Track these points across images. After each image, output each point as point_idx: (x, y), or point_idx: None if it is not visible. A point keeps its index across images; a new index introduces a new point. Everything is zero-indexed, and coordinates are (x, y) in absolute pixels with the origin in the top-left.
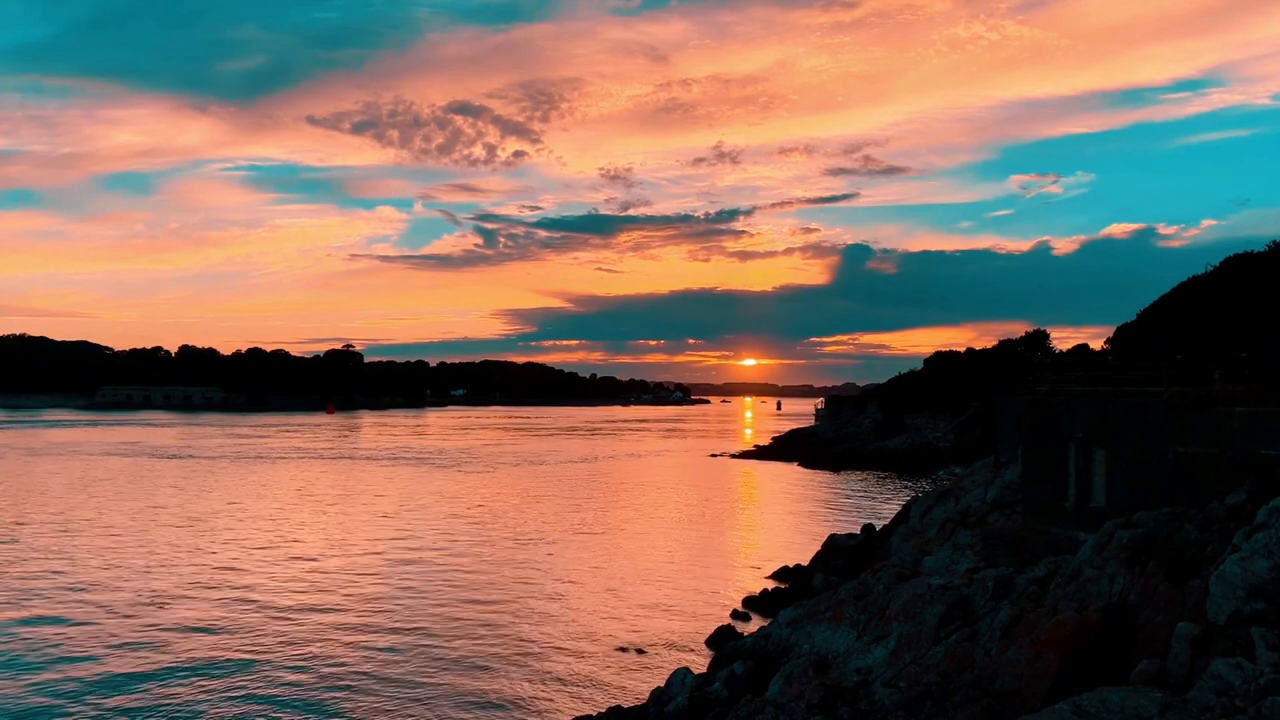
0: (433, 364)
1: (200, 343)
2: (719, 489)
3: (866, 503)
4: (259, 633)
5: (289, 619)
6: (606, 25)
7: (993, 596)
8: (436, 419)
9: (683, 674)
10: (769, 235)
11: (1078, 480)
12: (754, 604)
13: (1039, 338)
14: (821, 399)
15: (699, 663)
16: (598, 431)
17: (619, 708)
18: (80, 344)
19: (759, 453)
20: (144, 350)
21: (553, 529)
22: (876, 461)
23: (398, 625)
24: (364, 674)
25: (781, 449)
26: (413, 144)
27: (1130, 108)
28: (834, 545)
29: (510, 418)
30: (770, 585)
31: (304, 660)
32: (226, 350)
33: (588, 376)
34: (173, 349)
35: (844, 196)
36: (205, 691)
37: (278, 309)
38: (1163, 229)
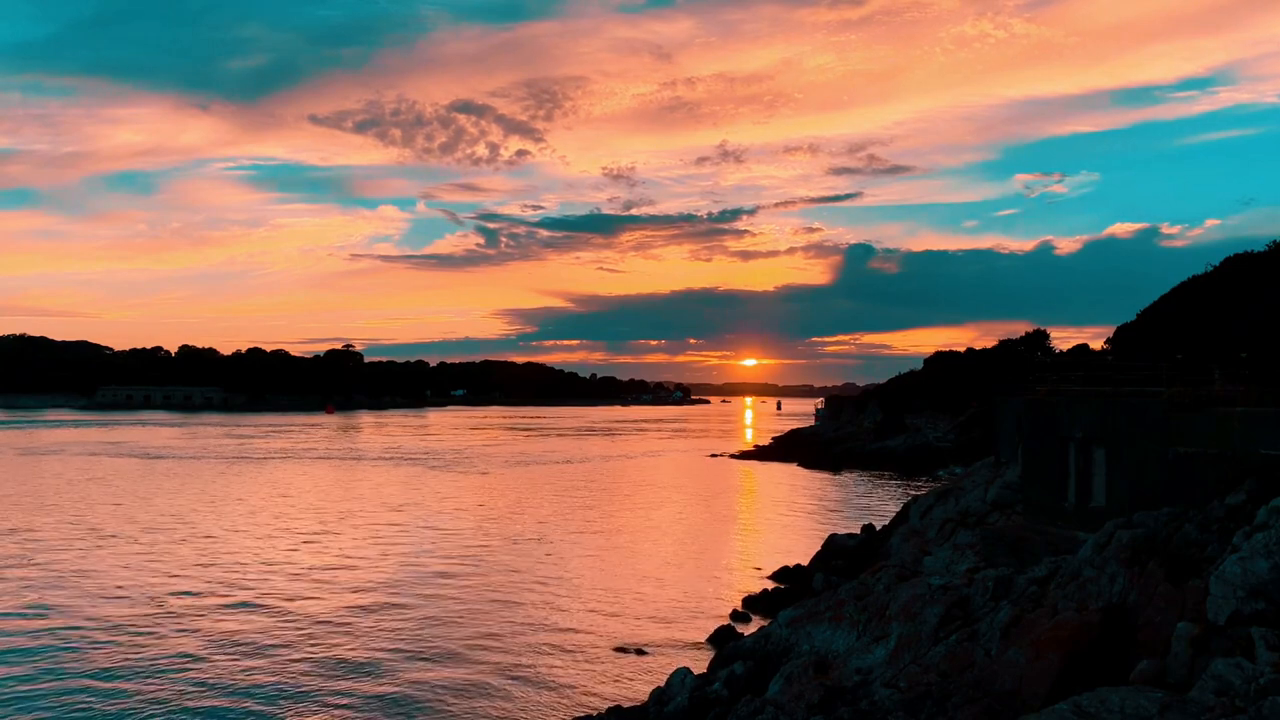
0: (433, 364)
1: (200, 343)
2: (719, 489)
3: (866, 503)
4: (254, 632)
5: (287, 619)
6: (611, 23)
7: (993, 596)
8: (436, 419)
9: (683, 674)
10: (771, 235)
11: (1078, 480)
12: (754, 604)
13: (1039, 338)
14: (822, 399)
15: (699, 663)
16: (598, 432)
17: (619, 708)
18: (80, 344)
19: (759, 453)
20: (144, 350)
21: (552, 530)
22: (876, 461)
23: (397, 625)
24: (363, 674)
25: (781, 449)
26: (415, 143)
27: (1136, 106)
28: (834, 545)
29: (510, 418)
30: (770, 585)
31: (301, 660)
32: (226, 350)
33: (588, 376)
34: (173, 349)
35: (848, 196)
36: (200, 691)
37: (278, 309)
38: (1166, 228)
